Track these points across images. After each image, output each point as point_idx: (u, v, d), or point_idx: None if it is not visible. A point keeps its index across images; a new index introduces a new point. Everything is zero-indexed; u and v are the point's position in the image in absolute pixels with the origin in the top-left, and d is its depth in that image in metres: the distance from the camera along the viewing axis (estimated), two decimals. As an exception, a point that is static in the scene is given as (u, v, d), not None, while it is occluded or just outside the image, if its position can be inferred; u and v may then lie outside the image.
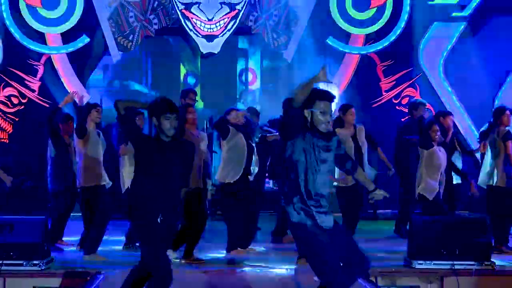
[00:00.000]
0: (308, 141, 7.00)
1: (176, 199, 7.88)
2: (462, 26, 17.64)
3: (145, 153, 7.65)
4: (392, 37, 17.71)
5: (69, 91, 16.86)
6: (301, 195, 6.96)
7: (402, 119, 15.70)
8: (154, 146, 7.65)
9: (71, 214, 12.76)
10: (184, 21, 17.12)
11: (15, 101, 17.27)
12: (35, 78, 17.59)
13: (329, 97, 7.13)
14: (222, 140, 11.75)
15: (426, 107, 14.22)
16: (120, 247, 12.19)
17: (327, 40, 17.74)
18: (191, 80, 18.82)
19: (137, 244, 11.75)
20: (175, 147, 7.79)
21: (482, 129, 13.39)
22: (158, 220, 7.50)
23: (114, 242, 12.51)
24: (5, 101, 16.51)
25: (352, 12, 17.68)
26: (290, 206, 7.00)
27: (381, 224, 14.17)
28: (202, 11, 16.94)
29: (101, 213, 11.44)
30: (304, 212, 6.94)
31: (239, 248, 12.03)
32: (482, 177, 12.53)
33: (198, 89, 18.32)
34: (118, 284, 9.43)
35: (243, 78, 19.39)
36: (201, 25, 17.03)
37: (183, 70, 19.06)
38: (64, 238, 12.69)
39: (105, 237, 11.72)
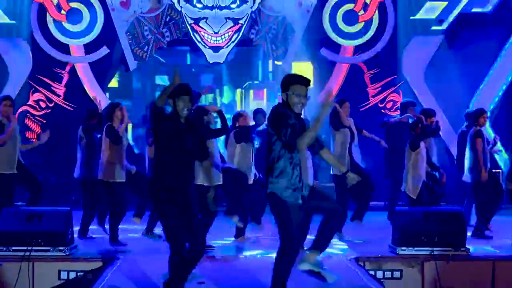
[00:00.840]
0: None
1: (192, 172, 7.89)
2: (441, 39, 17.62)
3: (165, 130, 7.69)
4: (378, 48, 17.69)
5: (90, 96, 16.93)
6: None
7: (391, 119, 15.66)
8: (171, 124, 7.68)
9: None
10: (193, 34, 17.12)
11: (42, 105, 17.28)
12: (60, 85, 17.58)
13: (303, 81, 7.18)
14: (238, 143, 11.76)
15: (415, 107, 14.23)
16: (136, 235, 12.18)
17: (320, 51, 17.73)
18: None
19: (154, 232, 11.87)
20: (189, 127, 7.81)
21: (462, 128, 13.46)
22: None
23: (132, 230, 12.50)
24: (34, 105, 16.53)
25: (343, 26, 17.66)
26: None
27: (370, 214, 14.09)
28: (209, 25, 16.94)
29: (121, 206, 11.46)
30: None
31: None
32: (466, 173, 12.64)
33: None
34: (133, 268, 9.48)
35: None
36: (208, 38, 17.02)
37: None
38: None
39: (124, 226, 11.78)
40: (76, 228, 11.35)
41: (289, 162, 7.21)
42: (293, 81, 7.21)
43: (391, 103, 17.46)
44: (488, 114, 13.66)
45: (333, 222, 7.53)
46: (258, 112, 13.51)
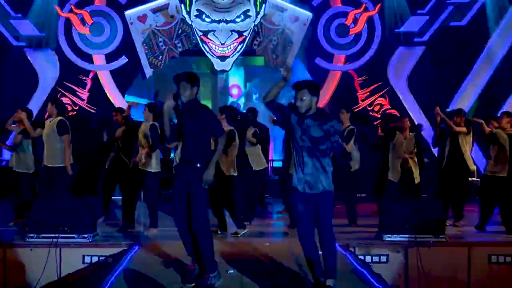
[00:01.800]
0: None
1: (194, 153, 7.48)
2: (422, 49, 17.62)
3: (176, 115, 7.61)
4: (366, 57, 17.68)
5: (111, 101, 16.96)
6: None
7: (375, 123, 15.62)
8: (178, 109, 7.52)
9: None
10: (202, 45, 17.11)
11: (68, 108, 17.27)
12: (84, 90, 17.60)
13: (296, 87, 7.15)
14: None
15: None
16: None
17: (315, 60, 17.72)
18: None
19: None
20: (191, 110, 7.52)
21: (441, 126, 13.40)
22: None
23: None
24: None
25: (335, 38, 17.66)
26: None
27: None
28: (216, 37, 16.92)
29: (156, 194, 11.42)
30: None
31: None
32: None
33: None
34: (152, 254, 9.45)
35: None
36: (215, 48, 17.00)
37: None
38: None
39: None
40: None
41: None
42: (293, 88, 7.17)
43: (379, 106, 17.52)
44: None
45: None
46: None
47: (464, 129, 11.88)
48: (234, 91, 18.99)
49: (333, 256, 7.20)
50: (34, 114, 16.60)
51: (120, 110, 12.34)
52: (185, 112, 7.50)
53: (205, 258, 7.52)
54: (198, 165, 7.36)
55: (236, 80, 19.29)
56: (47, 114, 12.28)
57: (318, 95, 7.16)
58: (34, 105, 17.19)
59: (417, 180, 11.84)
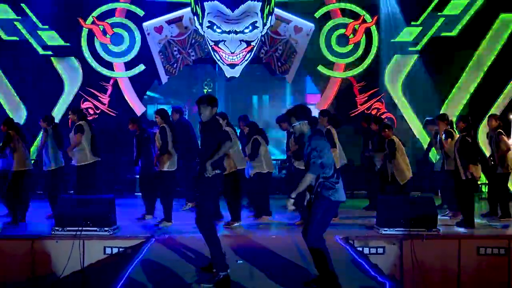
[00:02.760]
0: None
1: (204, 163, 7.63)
2: (416, 57, 17.58)
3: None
4: (364, 65, 17.65)
5: (130, 105, 17.02)
6: None
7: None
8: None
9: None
10: (214, 54, 17.09)
11: (91, 111, 17.30)
12: (105, 95, 17.59)
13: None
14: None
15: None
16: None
17: (317, 67, 17.70)
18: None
19: None
20: (204, 128, 7.90)
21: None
22: None
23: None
24: (84, 111, 16.50)
25: (336, 47, 17.63)
26: None
27: (357, 201, 14.03)
28: (226, 46, 16.90)
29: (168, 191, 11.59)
30: None
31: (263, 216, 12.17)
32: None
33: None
34: (167, 246, 9.46)
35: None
36: (226, 57, 16.98)
37: (205, 91, 18.86)
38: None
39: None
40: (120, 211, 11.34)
41: None
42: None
43: (376, 110, 17.47)
44: (455, 119, 13.55)
45: None
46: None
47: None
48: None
49: None
50: (60, 117, 16.80)
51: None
52: (206, 129, 7.80)
53: (212, 257, 7.52)
54: (206, 175, 7.52)
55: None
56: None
57: (306, 118, 7.32)
58: (60, 108, 17.35)
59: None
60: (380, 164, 12.72)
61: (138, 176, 12.89)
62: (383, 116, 16.91)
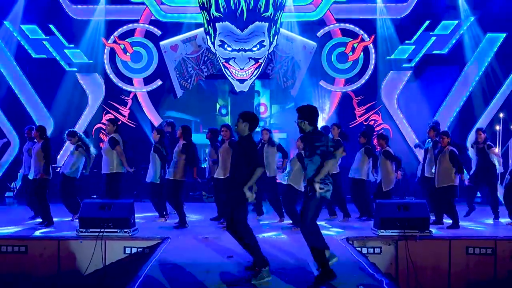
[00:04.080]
0: None
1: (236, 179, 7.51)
2: (409, 73, 17.57)
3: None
4: (362, 80, 17.65)
5: (148, 117, 17.05)
6: None
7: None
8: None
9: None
10: (225, 70, 17.12)
11: (112, 123, 17.33)
12: (125, 108, 17.65)
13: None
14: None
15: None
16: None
17: (319, 82, 17.71)
18: (223, 111, 18.62)
19: None
20: (235, 145, 7.81)
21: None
22: None
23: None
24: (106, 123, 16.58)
25: (336, 64, 17.65)
26: None
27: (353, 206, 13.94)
28: (236, 63, 16.93)
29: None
30: None
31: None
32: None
33: (228, 117, 18.31)
34: (181, 246, 9.44)
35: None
36: (236, 73, 17.01)
37: (218, 105, 18.88)
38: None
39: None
40: (138, 215, 11.31)
41: None
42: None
43: (373, 121, 17.50)
44: (446, 129, 13.54)
45: None
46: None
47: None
48: (262, 109, 18.78)
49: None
50: (84, 127, 16.84)
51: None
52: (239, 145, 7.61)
53: (253, 256, 7.48)
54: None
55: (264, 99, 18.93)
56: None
57: (308, 119, 7.33)
58: (85, 119, 17.45)
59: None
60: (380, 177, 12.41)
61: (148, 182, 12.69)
62: (379, 127, 16.96)
